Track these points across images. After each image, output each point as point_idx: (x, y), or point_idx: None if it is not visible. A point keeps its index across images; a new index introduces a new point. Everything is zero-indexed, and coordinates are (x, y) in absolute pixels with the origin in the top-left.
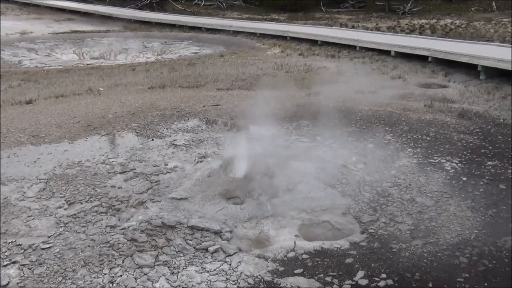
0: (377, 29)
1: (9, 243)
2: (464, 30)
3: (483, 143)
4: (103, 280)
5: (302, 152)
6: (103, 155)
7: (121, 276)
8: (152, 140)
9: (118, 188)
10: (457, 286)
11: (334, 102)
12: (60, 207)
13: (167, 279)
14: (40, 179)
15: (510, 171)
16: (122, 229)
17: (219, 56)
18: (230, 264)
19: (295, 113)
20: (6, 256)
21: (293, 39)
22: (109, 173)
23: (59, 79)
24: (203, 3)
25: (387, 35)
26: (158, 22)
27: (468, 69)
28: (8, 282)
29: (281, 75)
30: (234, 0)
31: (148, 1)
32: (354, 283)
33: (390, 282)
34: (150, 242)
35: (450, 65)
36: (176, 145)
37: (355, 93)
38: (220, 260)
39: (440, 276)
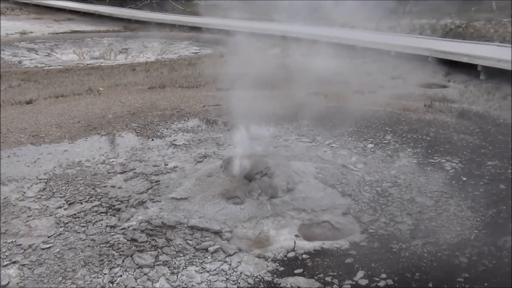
0: (377, 28)
1: (9, 243)
2: (464, 30)
3: (483, 143)
4: (103, 280)
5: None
6: (103, 155)
7: (121, 276)
8: (152, 140)
9: (118, 188)
10: (457, 286)
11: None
12: (60, 207)
13: (167, 279)
14: (40, 179)
15: (510, 171)
16: (122, 229)
17: (219, 56)
18: (230, 264)
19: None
20: (6, 256)
21: (293, 39)
22: (109, 173)
23: (59, 79)
24: (203, 3)
25: (386, 35)
26: (158, 22)
27: (468, 69)
28: (8, 282)
29: (281, 75)
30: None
31: (148, 1)
32: (354, 283)
33: (390, 282)
34: (150, 242)
35: (450, 65)
36: (176, 145)
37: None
38: (220, 260)
39: (440, 276)
